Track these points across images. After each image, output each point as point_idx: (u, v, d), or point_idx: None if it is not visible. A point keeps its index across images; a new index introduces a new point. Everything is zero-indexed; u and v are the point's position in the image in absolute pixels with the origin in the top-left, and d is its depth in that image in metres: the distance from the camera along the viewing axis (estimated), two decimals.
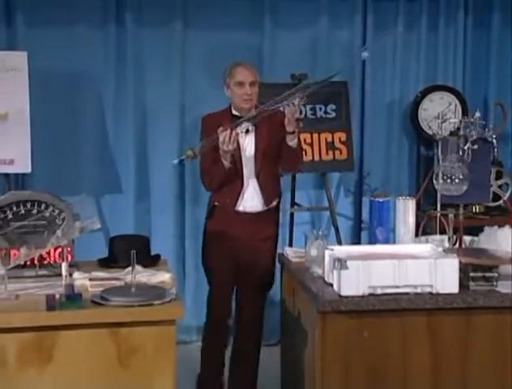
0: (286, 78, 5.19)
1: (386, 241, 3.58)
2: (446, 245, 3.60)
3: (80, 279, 3.07)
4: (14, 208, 3.26)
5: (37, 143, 4.93)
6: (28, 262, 3.19)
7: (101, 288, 2.89)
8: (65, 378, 2.70)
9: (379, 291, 2.99)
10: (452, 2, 5.66)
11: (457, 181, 3.55)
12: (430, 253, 3.21)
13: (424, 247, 3.32)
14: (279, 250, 4.02)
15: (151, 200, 5.51)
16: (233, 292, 4.08)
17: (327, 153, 5.24)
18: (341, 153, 5.25)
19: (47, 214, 3.25)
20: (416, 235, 3.66)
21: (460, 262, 3.06)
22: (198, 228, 4.96)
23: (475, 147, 3.72)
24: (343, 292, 2.97)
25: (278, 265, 3.97)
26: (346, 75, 5.44)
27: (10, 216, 3.24)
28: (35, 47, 5.02)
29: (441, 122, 3.99)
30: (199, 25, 5.41)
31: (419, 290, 3.01)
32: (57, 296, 2.73)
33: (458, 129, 3.87)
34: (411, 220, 3.56)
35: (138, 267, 3.05)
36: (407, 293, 3.01)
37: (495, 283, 3.12)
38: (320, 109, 5.23)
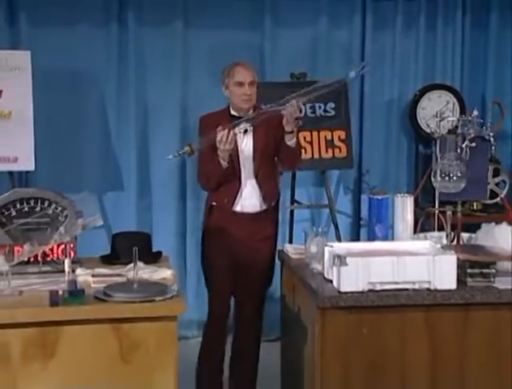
0: (286, 76, 5.20)
1: (385, 238, 3.58)
2: (444, 241, 3.60)
3: (83, 276, 3.07)
4: (18, 205, 3.26)
5: (40, 142, 4.93)
6: (32, 259, 3.19)
7: (104, 285, 2.89)
8: (68, 373, 2.71)
9: (378, 287, 2.99)
10: (450, 1, 5.67)
11: (455, 178, 3.55)
12: (428, 249, 3.22)
13: (423, 244, 3.32)
14: (279, 247, 4.01)
15: (152, 197, 5.51)
16: (232, 292, 4.04)
17: (327, 151, 5.24)
18: (340, 151, 5.25)
19: (50, 211, 3.25)
20: (415, 232, 3.66)
21: (458, 259, 3.07)
22: (199, 225, 4.94)
23: (473, 145, 3.71)
24: (343, 289, 2.97)
25: (278, 262, 3.96)
26: (345, 74, 5.44)
27: (13, 213, 3.24)
28: (38, 46, 5.03)
29: (440, 121, 3.98)
30: (200, 24, 5.41)
31: (417, 286, 3.01)
32: (61, 292, 2.73)
33: (456, 127, 3.86)
34: (410, 217, 3.55)
35: (140, 264, 3.05)
36: (406, 289, 3.01)
37: (492, 279, 3.12)
38: (319, 107, 5.23)
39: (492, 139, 5.09)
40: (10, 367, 2.67)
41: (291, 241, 5.20)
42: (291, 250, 3.73)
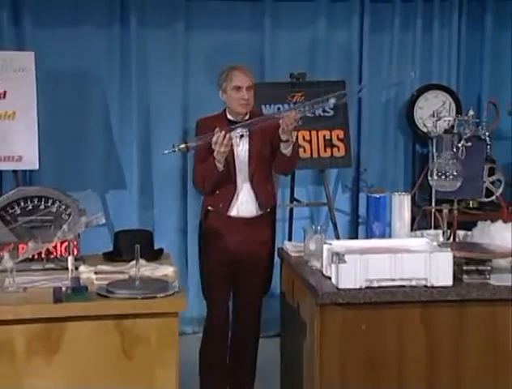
0: (286, 77, 5.20)
1: (383, 236, 3.57)
2: (441, 239, 3.60)
3: (86, 273, 3.07)
4: (22, 204, 3.26)
5: (44, 141, 4.94)
6: (36, 256, 3.19)
7: (106, 281, 2.89)
8: (71, 368, 2.71)
9: (376, 284, 2.99)
10: (446, 4, 5.67)
11: (451, 177, 3.54)
12: (425, 247, 3.21)
13: (420, 241, 3.31)
14: (278, 245, 4.01)
15: (154, 196, 5.52)
16: (230, 296, 3.99)
17: (325, 150, 5.24)
18: (339, 150, 5.25)
19: (54, 209, 3.26)
20: (412, 230, 3.66)
21: (454, 256, 3.06)
22: None
23: (469, 144, 3.71)
24: (341, 285, 2.97)
25: (277, 259, 3.95)
26: (344, 75, 5.46)
27: (18, 212, 3.25)
28: (42, 47, 5.03)
29: (436, 120, 3.99)
30: (201, 26, 5.42)
31: (414, 283, 3.01)
32: (64, 288, 2.73)
33: (453, 127, 3.86)
34: (407, 215, 3.55)
35: (142, 261, 3.04)
36: (403, 286, 3.00)
37: (488, 276, 3.12)
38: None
39: (487, 139, 5.14)
40: (14, 362, 2.67)
41: (290, 239, 5.20)
42: (290, 247, 3.72)
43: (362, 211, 5.53)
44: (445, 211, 3.64)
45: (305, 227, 3.58)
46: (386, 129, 5.72)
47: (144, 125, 5.44)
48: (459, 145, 3.66)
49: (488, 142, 5.19)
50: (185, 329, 5.16)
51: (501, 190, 5.24)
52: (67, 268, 2.91)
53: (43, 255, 3.21)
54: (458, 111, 5.28)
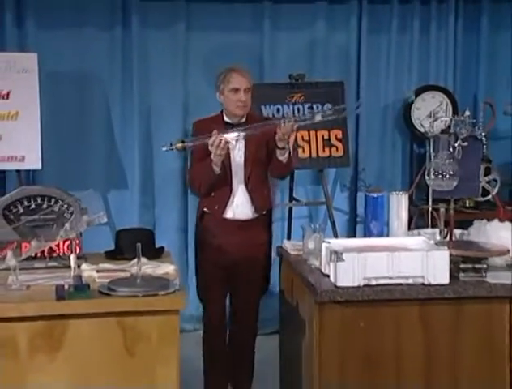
0: (285, 78, 5.21)
1: (380, 235, 3.57)
2: (438, 238, 3.60)
3: (88, 271, 3.07)
4: (25, 203, 3.26)
5: (47, 141, 4.94)
6: (39, 255, 3.19)
7: (108, 279, 2.89)
8: (74, 365, 2.71)
9: (373, 282, 2.99)
10: (443, 6, 5.67)
11: (448, 177, 3.54)
12: (422, 245, 3.21)
13: (417, 240, 3.31)
14: (278, 243, 4.00)
15: (155, 195, 5.52)
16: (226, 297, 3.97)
17: (324, 150, 5.24)
18: (337, 150, 5.25)
19: (56, 208, 3.26)
20: (409, 228, 3.66)
21: (451, 255, 3.06)
22: None
23: (466, 144, 3.71)
24: (339, 283, 2.97)
25: (277, 258, 3.95)
26: (342, 76, 5.47)
27: (21, 211, 3.25)
28: (45, 49, 5.03)
29: (433, 121, 3.98)
30: (202, 27, 5.42)
31: (411, 281, 3.01)
32: (66, 286, 2.73)
33: (449, 127, 3.86)
34: (404, 214, 3.55)
35: (144, 259, 3.04)
36: (401, 284, 3.00)
37: (484, 274, 3.12)
38: (317, 107, 5.22)
39: (483, 139, 5.14)
40: (18, 359, 2.67)
41: (289, 238, 5.19)
42: (289, 246, 3.72)
43: (360, 210, 5.54)
44: (442, 210, 3.64)
45: (303, 226, 3.57)
46: (383, 129, 5.72)
47: (145, 125, 5.44)
48: (456, 145, 3.66)
49: (485, 142, 5.19)
50: (186, 326, 5.15)
51: (496, 190, 5.24)
52: (69, 266, 2.91)
53: (46, 254, 3.21)
54: (455, 111, 5.29)
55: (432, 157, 3.66)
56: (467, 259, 3.12)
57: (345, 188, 5.75)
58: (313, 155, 5.22)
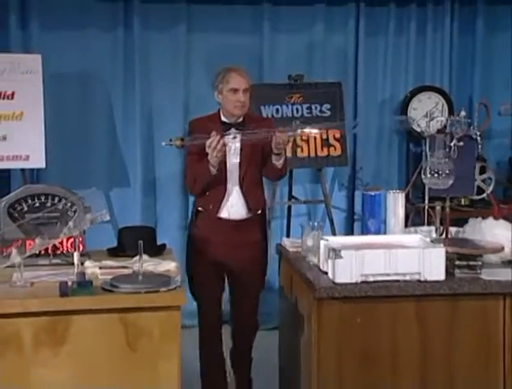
0: (284, 78, 5.21)
1: (378, 232, 3.57)
2: (434, 235, 3.60)
3: (91, 268, 3.07)
4: (30, 201, 3.26)
5: (51, 141, 4.94)
6: (43, 252, 3.19)
7: (111, 276, 2.89)
8: (77, 360, 2.71)
9: (371, 279, 2.99)
10: (439, 8, 5.68)
11: (443, 175, 3.54)
12: (418, 243, 3.21)
13: (413, 237, 3.31)
14: (277, 241, 4.00)
15: (157, 193, 5.52)
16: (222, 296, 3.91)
17: (322, 149, 5.24)
18: (335, 149, 5.25)
19: (60, 206, 3.26)
20: (406, 226, 3.66)
21: (446, 252, 3.06)
22: None
23: (461, 143, 3.71)
24: (338, 280, 2.97)
25: (276, 255, 3.94)
26: (340, 76, 5.47)
27: (25, 209, 3.25)
28: (48, 50, 5.03)
29: (429, 121, 3.99)
30: (203, 29, 5.42)
31: (408, 278, 3.01)
32: (70, 283, 2.73)
33: (445, 127, 3.86)
34: (401, 212, 3.55)
35: (145, 257, 3.04)
36: (397, 281, 3.00)
37: (479, 271, 3.12)
38: (316, 107, 5.23)
39: (478, 138, 5.14)
40: (22, 354, 2.68)
41: (288, 235, 5.20)
42: (288, 243, 3.72)
43: (358, 208, 5.54)
44: (438, 208, 3.64)
45: (302, 223, 3.58)
46: (380, 129, 5.72)
47: (147, 125, 5.44)
48: (451, 144, 3.66)
49: (480, 141, 5.19)
50: (186, 322, 5.14)
51: (491, 188, 5.24)
52: (73, 263, 2.91)
53: (49, 251, 3.21)
54: (451, 112, 5.29)
55: (428, 156, 3.65)
56: (463, 256, 3.12)
57: (343, 187, 5.75)
58: (312, 154, 5.22)
